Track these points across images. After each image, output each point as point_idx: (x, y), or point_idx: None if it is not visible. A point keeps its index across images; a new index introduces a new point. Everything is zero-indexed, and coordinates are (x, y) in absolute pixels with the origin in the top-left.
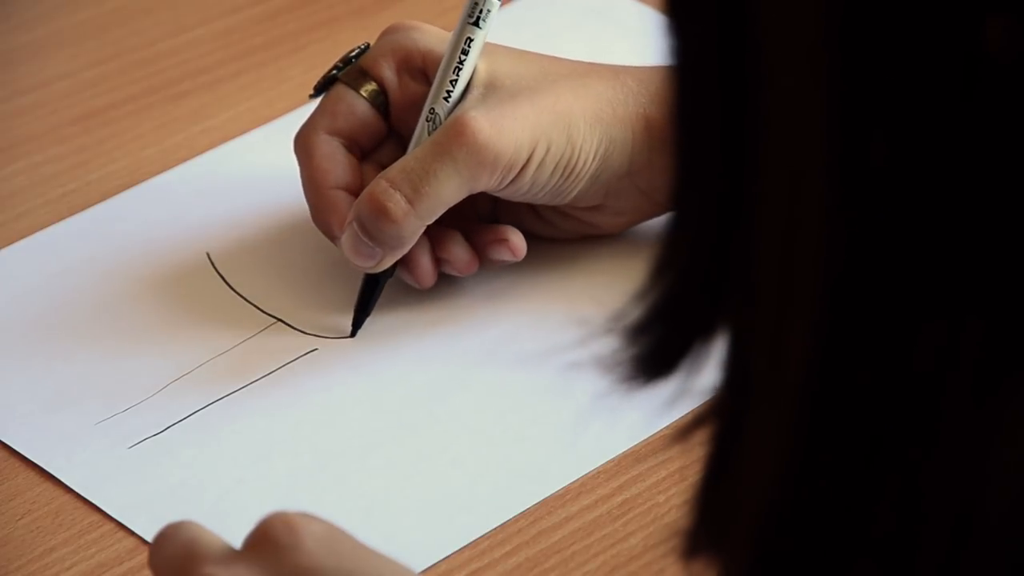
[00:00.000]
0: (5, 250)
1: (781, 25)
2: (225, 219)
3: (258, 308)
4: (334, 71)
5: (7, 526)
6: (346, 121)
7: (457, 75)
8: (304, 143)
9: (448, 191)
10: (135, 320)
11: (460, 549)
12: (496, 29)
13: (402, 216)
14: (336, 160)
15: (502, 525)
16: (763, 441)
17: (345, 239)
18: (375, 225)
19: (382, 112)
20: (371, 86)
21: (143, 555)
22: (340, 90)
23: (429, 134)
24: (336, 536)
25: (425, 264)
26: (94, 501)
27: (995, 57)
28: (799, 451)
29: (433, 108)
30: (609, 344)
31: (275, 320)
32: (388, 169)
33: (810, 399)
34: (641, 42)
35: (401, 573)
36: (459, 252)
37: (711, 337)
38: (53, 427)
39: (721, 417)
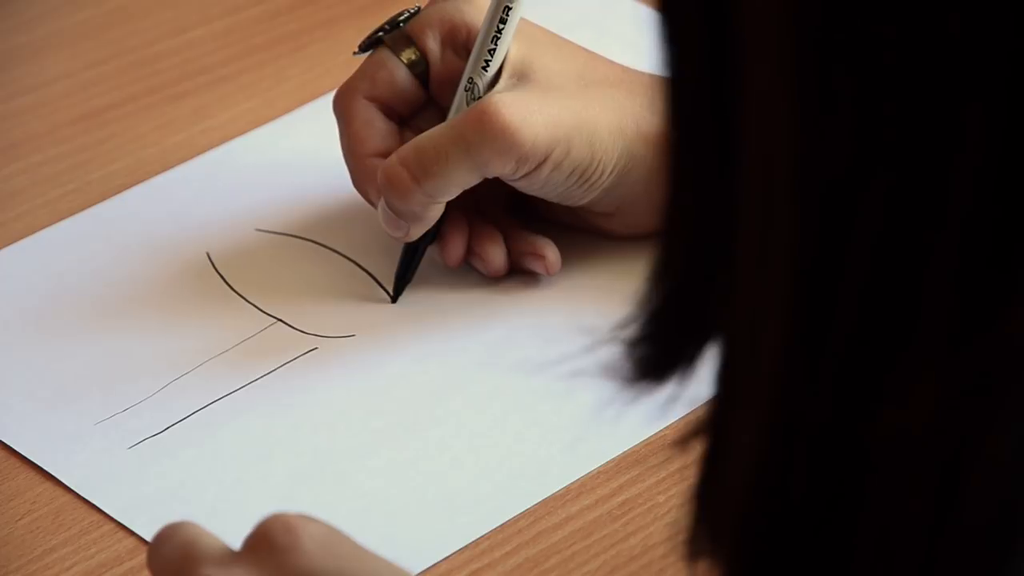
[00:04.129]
0: (5, 250)
1: (759, 45)
2: (225, 219)
3: (258, 308)
4: (380, 32)
5: (7, 526)
6: (385, 88)
7: (495, 44)
8: (343, 107)
9: (458, 172)
10: (135, 320)
11: (460, 549)
12: None
13: (407, 193)
14: (374, 127)
15: (502, 525)
16: (743, 444)
17: (380, 208)
18: (389, 198)
19: (422, 80)
20: (413, 54)
21: (143, 555)
22: (382, 54)
23: (468, 104)
24: (335, 538)
25: (456, 246)
26: (94, 501)
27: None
28: (776, 454)
29: (472, 78)
30: (609, 351)
31: (275, 320)
32: (404, 146)
33: (784, 400)
34: (640, 43)
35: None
36: (494, 253)
37: (706, 344)
38: (53, 427)
39: (710, 424)
